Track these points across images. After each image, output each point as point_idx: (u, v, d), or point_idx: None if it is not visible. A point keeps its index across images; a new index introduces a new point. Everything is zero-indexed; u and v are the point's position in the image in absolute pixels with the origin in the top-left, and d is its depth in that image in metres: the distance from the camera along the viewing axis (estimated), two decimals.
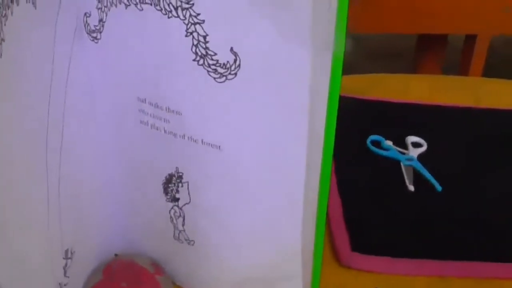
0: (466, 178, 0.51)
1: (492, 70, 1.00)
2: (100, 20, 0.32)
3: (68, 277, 0.35)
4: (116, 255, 0.41)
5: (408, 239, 0.45)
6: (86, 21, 0.33)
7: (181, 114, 0.32)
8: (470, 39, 1.01)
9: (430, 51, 1.09)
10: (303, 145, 0.30)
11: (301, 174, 0.31)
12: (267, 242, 0.34)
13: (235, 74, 0.29)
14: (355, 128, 0.56)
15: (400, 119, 0.60)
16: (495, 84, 0.70)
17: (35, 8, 0.28)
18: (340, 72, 0.29)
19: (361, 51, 1.70)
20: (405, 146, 0.55)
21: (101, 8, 0.32)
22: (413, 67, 1.15)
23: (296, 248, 0.34)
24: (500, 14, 0.96)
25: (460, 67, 1.05)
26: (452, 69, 1.10)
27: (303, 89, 0.28)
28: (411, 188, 0.50)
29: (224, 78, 0.29)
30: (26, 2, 0.27)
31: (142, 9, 0.30)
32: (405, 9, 0.95)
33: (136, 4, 0.30)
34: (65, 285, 0.34)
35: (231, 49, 0.28)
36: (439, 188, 0.50)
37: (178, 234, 0.37)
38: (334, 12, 0.27)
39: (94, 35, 0.33)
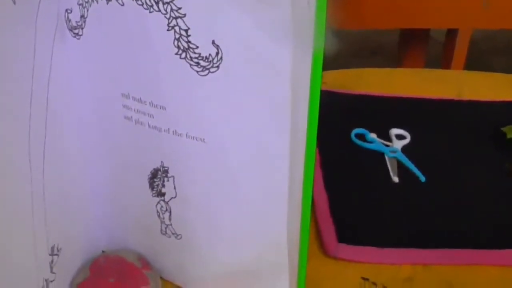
0: (449, 168, 0.52)
1: (473, 63, 1.01)
2: (82, 16, 0.32)
3: (55, 273, 0.35)
4: (103, 251, 0.41)
5: (393, 229, 0.45)
6: (68, 17, 0.33)
7: (165, 108, 0.32)
8: (452, 33, 1.03)
9: (412, 45, 1.10)
10: (286, 138, 0.30)
11: (285, 166, 0.31)
12: (253, 234, 0.35)
13: (218, 67, 0.29)
14: (339, 122, 0.57)
15: (383, 112, 0.60)
16: (477, 77, 0.71)
17: (14, 4, 0.28)
18: (321, 66, 0.30)
19: (345, 47, 1.72)
20: (389, 139, 0.55)
21: (82, 4, 0.32)
22: (396, 62, 1.16)
23: (282, 240, 0.34)
24: (480, 9, 0.97)
25: (442, 61, 1.06)
26: (434, 63, 1.11)
27: (284, 83, 0.29)
28: (396, 179, 0.50)
29: (207, 71, 0.30)
30: None
31: (124, 4, 0.30)
32: (387, 5, 0.96)
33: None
34: (51, 281, 0.34)
35: (213, 41, 0.29)
36: (422, 178, 0.50)
37: (165, 229, 0.38)
38: (313, 8, 0.27)
39: (76, 31, 0.33)
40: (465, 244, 0.44)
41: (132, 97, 0.33)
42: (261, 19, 0.27)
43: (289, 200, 0.32)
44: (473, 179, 0.51)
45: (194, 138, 0.32)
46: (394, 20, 0.98)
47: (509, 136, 0.56)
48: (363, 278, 0.41)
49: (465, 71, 0.90)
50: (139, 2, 0.29)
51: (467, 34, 1.01)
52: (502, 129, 0.57)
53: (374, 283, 0.41)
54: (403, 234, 0.45)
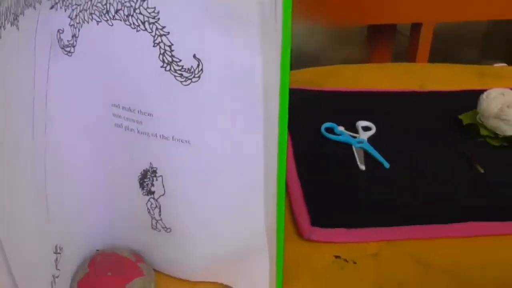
0: (411, 155, 0.56)
1: (441, 55, 1.06)
2: (73, 36, 0.35)
3: (59, 270, 0.38)
4: (97, 250, 0.43)
5: (361, 211, 0.49)
6: (60, 37, 0.36)
7: (152, 115, 0.36)
8: (416, 27, 1.07)
9: (380, 40, 1.14)
10: (260, 136, 0.34)
11: (260, 160, 0.35)
12: (236, 223, 0.38)
13: (199, 77, 0.33)
14: (310, 117, 0.61)
15: (350, 106, 0.64)
16: (439, 69, 0.75)
17: (18, 30, 0.31)
18: (288, 67, 0.33)
19: (320, 42, 1.75)
20: (356, 131, 0.60)
21: (74, 25, 0.35)
22: (364, 52, 1.19)
23: (260, 226, 0.37)
24: (442, 2, 1.01)
25: (409, 54, 1.11)
26: (402, 56, 1.16)
27: (257, 86, 0.32)
28: (362, 167, 0.54)
29: (189, 81, 0.33)
30: (11, 25, 0.30)
31: (113, 25, 0.34)
32: (353, 1, 0.99)
33: (107, 21, 0.34)
34: (57, 277, 0.37)
35: (194, 55, 0.32)
36: (387, 165, 0.55)
37: (156, 224, 0.41)
38: (280, 21, 0.31)
39: (68, 49, 0.36)
40: (426, 221, 0.48)
41: (122, 106, 0.37)
42: (235, 33, 0.31)
43: (265, 191, 0.36)
44: (432, 164, 0.55)
45: (180, 141, 0.36)
46: (359, 17, 1.02)
47: (465, 122, 0.61)
48: (335, 256, 0.45)
49: (429, 63, 0.94)
50: (127, 23, 0.33)
51: (431, 28, 1.06)
52: (459, 116, 0.62)
53: (345, 260, 0.45)
54: (369, 215, 0.49)
